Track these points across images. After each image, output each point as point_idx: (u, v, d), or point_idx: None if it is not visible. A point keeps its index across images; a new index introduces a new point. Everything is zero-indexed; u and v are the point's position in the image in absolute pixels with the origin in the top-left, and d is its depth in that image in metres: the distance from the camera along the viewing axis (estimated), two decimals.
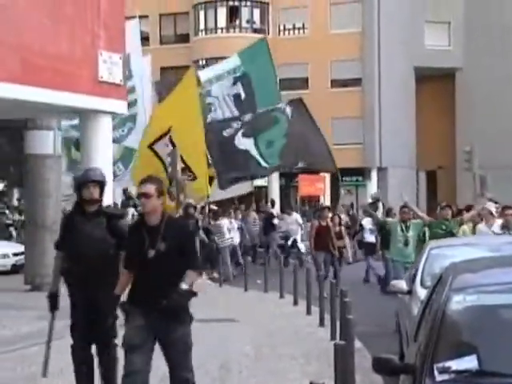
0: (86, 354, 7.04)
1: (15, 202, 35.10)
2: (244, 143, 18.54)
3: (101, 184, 7.11)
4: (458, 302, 4.46)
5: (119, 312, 6.28)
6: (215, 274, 20.20)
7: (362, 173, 43.75)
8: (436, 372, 4.00)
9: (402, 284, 9.22)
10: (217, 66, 23.49)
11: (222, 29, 44.86)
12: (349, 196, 43.70)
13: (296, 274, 15.13)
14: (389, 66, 43.11)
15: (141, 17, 28.04)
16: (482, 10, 45.32)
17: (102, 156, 14.25)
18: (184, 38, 46.54)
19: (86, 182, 7.02)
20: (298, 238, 24.16)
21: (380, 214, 22.53)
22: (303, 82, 43.48)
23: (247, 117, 19.50)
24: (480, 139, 35.05)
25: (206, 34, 45.11)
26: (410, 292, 8.94)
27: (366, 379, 7.91)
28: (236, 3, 44.86)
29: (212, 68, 23.88)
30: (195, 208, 19.64)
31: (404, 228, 14.63)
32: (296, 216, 25.21)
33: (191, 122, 17.02)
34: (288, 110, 19.08)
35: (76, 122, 17.03)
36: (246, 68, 21.22)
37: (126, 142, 21.83)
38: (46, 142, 16.92)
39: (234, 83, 21.14)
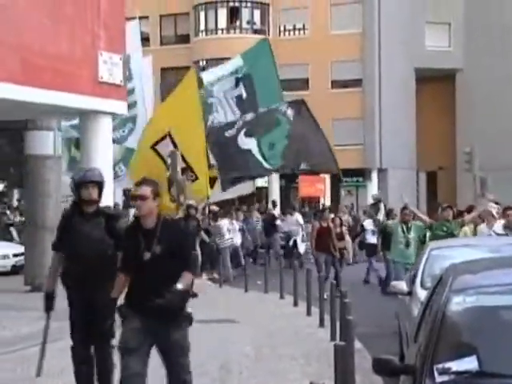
0: (85, 355, 7.03)
1: (15, 203, 35.16)
2: (247, 143, 18.59)
3: (99, 184, 7.10)
4: (457, 303, 4.46)
5: (116, 315, 6.26)
6: (215, 275, 20.20)
7: (362, 174, 43.74)
8: (436, 373, 3.99)
9: (402, 285, 9.23)
10: (220, 67, 23.51)
11: (222, 29, 44.87)
12: (349, 197, 43.74)
13: (296, 274, 15.14)
14: (389, 66, 43.12)
15: (141, 17, 28.07)
16: (482, 11, 45.31)
17: (102, 157, 14.23)
18: (184, 39, 46.54)
19: (85, 183, 7.01)
20: (299, 238, 24.15)
21: (382, 215, 22.56)
22: (303, 83, 43.45)
23: (249, 116, 19.51)
24: (480, 140, 35.04)
25: (206, 34, 45.12)
26: (410, 293, 8.94)
27: (366, 380, 7.90)
28: (236, 4, 44.88)
29: (215, 70, 23.88)
30: (196, 209, 19.64)
31: (405, 229, 14.64)
32: (297, 216, 25.22)
33: (191, 123, 17.03)
34: (289, 112, 19.09)
35: (76, 121, 17.03)
36: (248, 68, 21.22)
37: (127, 142, 21.82)
38: (46, 143, 16.94)
39: (237, 85, 21.13)
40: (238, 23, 44.97)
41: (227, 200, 24.80)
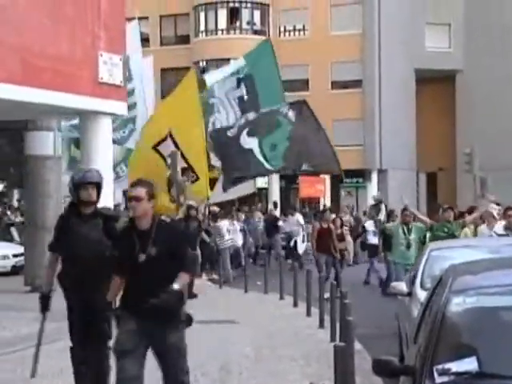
0: (84, 355, 7.02)
1: (15, 203, 35.17)
2: (249, 142, 18.63)
3: (98, 185, 7.09)
4: (457, 304, 4.45)
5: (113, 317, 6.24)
6: (215, 276, 20.19)
7: (362, 174, 43.73)
8: (436, 374, 3.99)
9: (402, 286, 9.22)
10: (223, 68, 23.57)
11: (222, 30, 44.86)
12: (349, 198, 43.74)
13: (296, 275, 15.14)
14: (389, 67, 43.12)
15: (141, 18, 28.10)
16: (481, 11, 45.31)
17: (102, 157, 14.22)
18: (184, 40, 46.54)
19: (84, 184, 6.99)
20: (299, 238, 24.15)
21: (383, 215, 22.59)
22: (303, 84, 43.44)
23: (251, 115, 19.52)
24: (480, 140, 35.01)
25: (206, 35, 45.13)
26: (409, 294, 8.93)
27: (366, 381, 7.89)
28: (236, 5, 44.88)
29: (217, 71, 23.93)
30: (197, 210, 19.62)
31: (406, 231, 14.64)
32: (298, 216, 25.23)
33: (191, 123, 17.07)
34: (290, 113, 19.11)
35: (76, 121, 17.03)
36: (250, 69, 21.23)
37: (128, 143, 21.83)
38: (46, 143, 16.94)
39: (238, 85, 21.14)
40: (237, 24, 44.97)
41: (227, 200, 24.79)
